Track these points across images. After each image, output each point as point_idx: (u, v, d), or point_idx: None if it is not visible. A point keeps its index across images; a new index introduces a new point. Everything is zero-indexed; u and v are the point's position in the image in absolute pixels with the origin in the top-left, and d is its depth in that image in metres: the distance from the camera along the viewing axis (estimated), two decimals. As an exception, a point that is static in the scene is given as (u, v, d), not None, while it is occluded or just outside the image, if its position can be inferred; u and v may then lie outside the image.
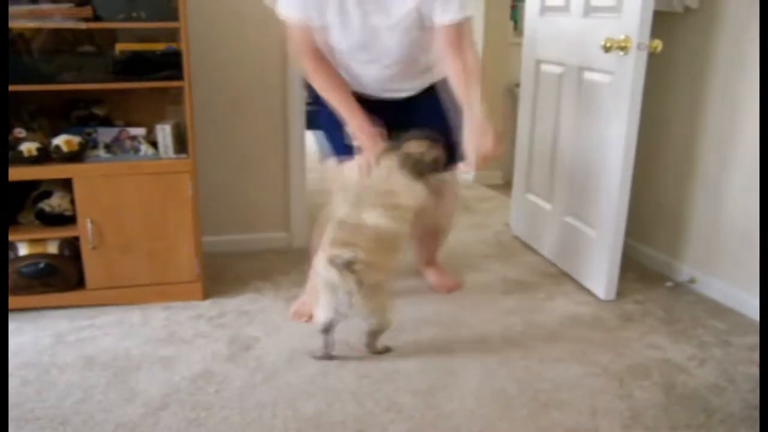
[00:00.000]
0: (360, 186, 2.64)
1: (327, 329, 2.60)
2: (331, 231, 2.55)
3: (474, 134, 2.59)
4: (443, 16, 2.58)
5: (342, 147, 2.78)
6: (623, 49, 2.91)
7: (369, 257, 2.44)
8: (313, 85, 2.73)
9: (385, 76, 2.77)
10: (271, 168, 3.74)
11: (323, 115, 2.84)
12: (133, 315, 2.98)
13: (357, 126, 2.68)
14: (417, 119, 2.79)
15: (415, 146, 2.66)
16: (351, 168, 2.73)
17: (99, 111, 3.15)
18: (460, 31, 2.62)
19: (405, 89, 2.86)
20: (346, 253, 2.40)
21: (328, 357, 2.65)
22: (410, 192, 2.63)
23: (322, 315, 2.56)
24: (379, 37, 2.63)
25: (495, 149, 2.60)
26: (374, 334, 2.65)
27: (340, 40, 2.65)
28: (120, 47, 2.93)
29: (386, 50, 2.68)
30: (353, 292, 2.43)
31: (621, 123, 3.00)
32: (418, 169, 2.64)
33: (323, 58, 2.69)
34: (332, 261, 2.40)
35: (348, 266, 2.39)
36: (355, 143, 2.69)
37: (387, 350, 2.71)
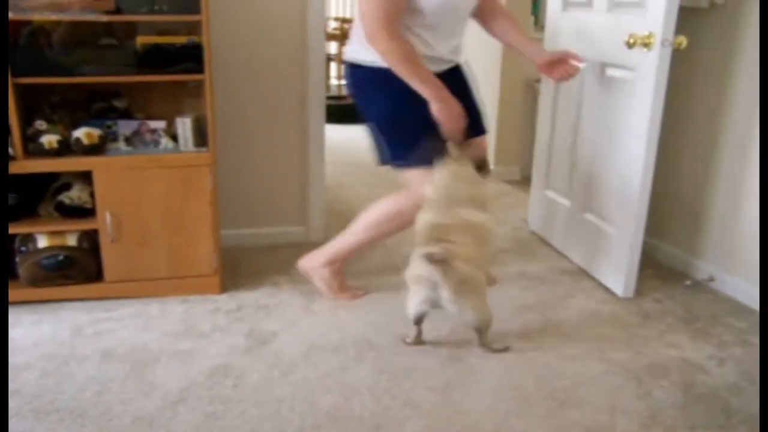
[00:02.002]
0: (447, 186, 2.68)
1: (419, 321, 2.67)
2: (424, 231, 2.63)
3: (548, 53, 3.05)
4: None
5: (410, 155, 2.74)
6: (647, 45, 2.89)
7: (463, 252, 2.51)
8: (385, 55, 2.58)
9: (450, 46, 2.81)
10: (289, 162, 3.73)
11: (393, 116, 2.79)
12: (151, 308, 2.99)
13: (444, 102, 2.64)
14: (457, 92, 2.76)
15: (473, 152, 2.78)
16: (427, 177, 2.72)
17: (119, 104, 3.15)
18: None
19: (448, 62, 2.87)
20: (440, 250, 2.47)
21: (420, 343, 2.74)
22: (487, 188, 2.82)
23: (416, 308, 2.61)
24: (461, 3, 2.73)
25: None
26: (479, 331, 2.67)
27: (428, 4, 2.60)
28: (141, 40, 2.93)
29: (461, 17, 2.77)
30: (450, 287, 2.48)
31: (643, 120, 2.97)
32: (482, 171, 2.79)
33: (399, 30, 2.57)
34: (429, 257, 2.46)
35: (444, 262, 2.46)
36: (439, 118, 2.66)
37: (506, 349, 2.72)
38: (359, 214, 3.07)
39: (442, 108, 2.64)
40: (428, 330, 2.79)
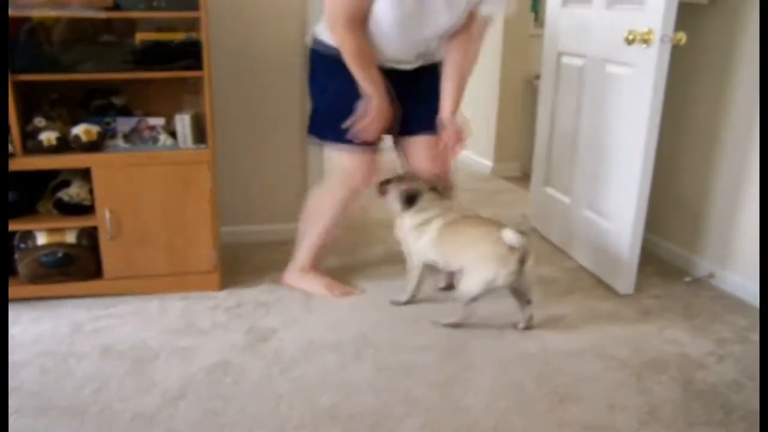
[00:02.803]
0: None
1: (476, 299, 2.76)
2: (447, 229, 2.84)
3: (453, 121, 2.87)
4: (488, 7, 2.74)
5: (338, 132, 2.84)
6: (646, 41, 2.88)
7: None
8: (340, 47, 2.67)
9: (416, 50, 2.83)
10: (289, 158, 3.73)
11: (317, 85, 2.94)
12: (151, 305, 2.99)
13: (377, 103, 2.74)
14: (420, 90, 2.91)
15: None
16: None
17: (118, 101, 3.14)
18: (487, 24, 2.80)
19: (419, 62, 2.90)
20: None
21: (458, 325, 2.84)
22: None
23: (505, 279, 2.67)
24: (435, 13, 2.67)
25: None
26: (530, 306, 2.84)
27: (393, 9, 2.60)
28: (140, 37, 2.92)
29: (435, 25, 2.72)
30: (531, 257, 2.68)
31: (643, 116, 2.97)
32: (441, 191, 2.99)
33: (360, 27, 2.65)
34: (518, 229, 2.66)
35: (526, 234, 2.69)
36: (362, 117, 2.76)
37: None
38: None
39: (373, 106, 2.74)
40: (425, 327, 2.81)
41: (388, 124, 2.80)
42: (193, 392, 2.36)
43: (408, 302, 3.03)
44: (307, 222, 3.17)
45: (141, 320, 2.86)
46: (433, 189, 2.92)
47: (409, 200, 2.89)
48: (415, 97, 2.91)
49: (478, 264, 2.70)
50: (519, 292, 2.79)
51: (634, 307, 3.08)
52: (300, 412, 2.27)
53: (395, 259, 3.37)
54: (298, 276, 3.20)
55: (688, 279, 3.37)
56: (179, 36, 2.93)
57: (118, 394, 2.34)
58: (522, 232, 2.65)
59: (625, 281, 3.18)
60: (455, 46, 2.81)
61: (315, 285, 3.18)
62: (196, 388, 2.39)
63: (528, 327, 2.83)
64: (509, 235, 2.63)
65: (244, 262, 3.48)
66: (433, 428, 2.22)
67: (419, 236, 2.89)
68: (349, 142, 2.83)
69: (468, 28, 2.78)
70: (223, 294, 3.11)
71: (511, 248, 2.63)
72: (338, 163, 2.98)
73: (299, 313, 2.97)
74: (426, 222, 2.88)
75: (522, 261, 2.64)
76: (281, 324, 2.86)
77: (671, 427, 2.24)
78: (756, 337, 2.84)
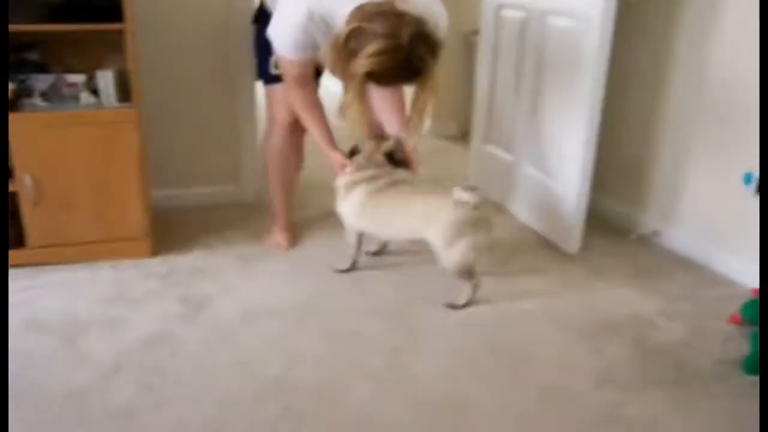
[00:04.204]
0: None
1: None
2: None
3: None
4: None
5: (268, 73, 2.91)
6: (594, -9, 2.80)
7: None
8: (292, 100, 2.77)
9: None
10: (220, 120, 3.57)
11: (259, 39, 2.91)
12: (79, 274, 2.82)
13: (323, 149, 2.80)
14: None
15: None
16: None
17: (32, 56, 2.92)
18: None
19: None
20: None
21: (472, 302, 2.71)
22: None
23: (476, 250, 2.60)
24: None
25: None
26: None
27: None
28: (57, -14, 2.72)
29: None
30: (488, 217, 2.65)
31: (588, 71, 2.89)
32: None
33: (309, 83, 2.74)
34: (470, 187, 2.59)
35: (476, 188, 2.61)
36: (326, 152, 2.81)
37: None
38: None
39: (326, 157, 2.82)
40: (368, 293, 2.74)
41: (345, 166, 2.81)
42: (128, 365, 2.23)
43: (350, 269, 2.92)
44: (266, 178, 3.20)
45: (69, 291, 2.70)
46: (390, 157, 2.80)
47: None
48: None
49: (452, 233, 2.57)
50: None
51: (582, 266, 3.04)
52: (241, 384, 2.16)
53: (333, 222, 3.28)
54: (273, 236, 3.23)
55: (633, 237, 3.35)
56: (99, -15, 2.73)
57: (47, 370, 2.20)
58: (472, 187, 2.58)
59: (571, 240, 3.13)
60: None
61: (269, 242, 3.20)
62: (130, 360, 2.26)
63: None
64: (466, 195, 2.53)
65: (177, 227, 3.32)
66: (383, 397, 2.14)
67: (347, 199, 2.79)
68: (276, 78, 2.86)
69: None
70: (155, 261, 2.96)
71: (475, 206, 2.54)
72: (270, 106, 3.05)
73: (236, 280, 2.84)
74: (354, 184, 2.77)
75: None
76: (218, 291, 2.73)
77: (627, 387, 2.21)
78: (705, 293, 2.84)
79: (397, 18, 2.29)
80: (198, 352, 2.33)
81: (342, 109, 2.52)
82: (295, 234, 3.24)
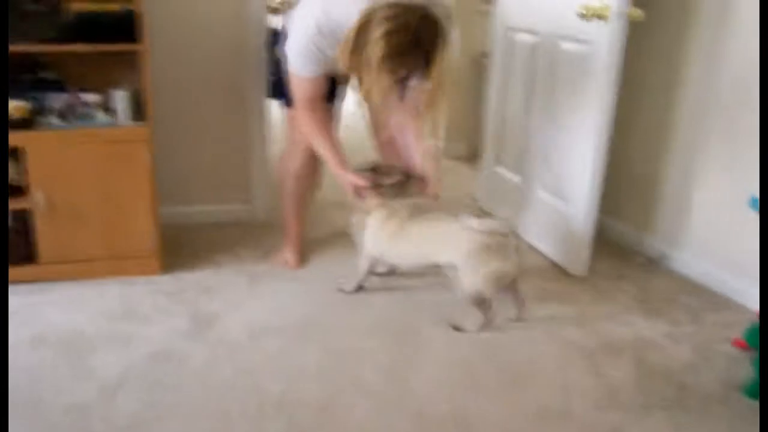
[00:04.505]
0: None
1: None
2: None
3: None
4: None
5: (290, 97, 2.86)
6: (602, 17, 2.82)
7: None
8: (301, 123, 2.80)
9: None
10: (232, 138, 3.60)
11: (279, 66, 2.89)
12: (88, 290, 2.84)
13: (334, 170, 2.80)
14: None
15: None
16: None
17: (49, 75, 2.98)
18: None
19: None
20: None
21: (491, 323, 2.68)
22: None
23: (503, 269, 2.57)
24: None
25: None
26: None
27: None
28: (72, 6, 2.77)
29: None
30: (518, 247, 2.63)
31: (597, 94, 2.91)
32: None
33: (319, 107, 2.76)
34: (504, 222, 2.65)
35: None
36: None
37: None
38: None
39: (337, 178, 2.81)
40: (372, 310, 2.75)
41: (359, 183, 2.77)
42: (133, 381, 2.25)
43: (355, 291, 2.92)
44: (280, 197, 3.20)
45: (77, 306, 2.72)
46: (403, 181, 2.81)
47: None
48: None
49: (476, 260, 2.55)
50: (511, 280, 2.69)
51: (588, 288, 3.04)
52: (245, 400, 2.17)
53: (342, 241, 3.30)
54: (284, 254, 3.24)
55: (641, 260, 3.34)
56: (115, 7, 2.79)
57: (52, 385, 2.22)
58: (499, 218, 2.57)
59: (578, 262, 3.13)
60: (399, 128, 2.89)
61: (277, 259, 3.22)
62: (135, 377, 2.27)
63: (521, 315, 2.74)
64: (494, 224, 2.57)
65: (186, 245, 3.35)
66: (383, 413, 2.15)
67: (381, 229, 2.77)
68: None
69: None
70: (164, 278, 2.98)
71: (503, 235, 2.56)
72: (291, 127, 3.02)
73: (244, 297, 2.86)
74: (390, 216, 2.75)
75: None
76: (225, 308, 2.75)
77: (627, 409, 2.21)
78: (710, 316, 2.83)
79: (402, 5, 2.34)
80: (203, 368, 2.34)
81: (361, 100, 2.55)
82: (305, 253, 3.26)
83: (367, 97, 2.51)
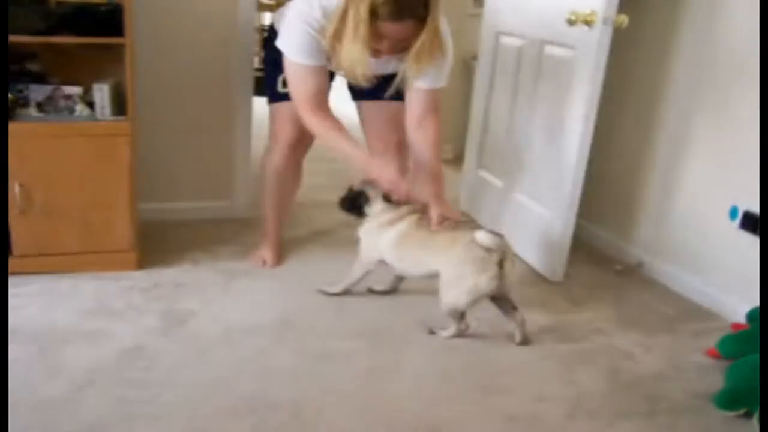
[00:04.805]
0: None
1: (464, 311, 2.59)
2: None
3: (438, 201, 2.70)
4: (425, 82, 2.68)
5: (275, 92, 2.88)
6: (588, 22, 2.82)
7: None
8: (310, 124, 2.69)
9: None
10: (214, 133, 3.59)
11: (268, 57, 2.90)
12: (62, 285, 2.83)
13: (365, 163, 2.71)
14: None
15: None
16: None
17: (33, 67, 2.96)
18: (437, 95, 2.76)
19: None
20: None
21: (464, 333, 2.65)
22: None
23: (488, 285, 2.48)
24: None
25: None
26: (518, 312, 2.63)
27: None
28: (58, -1, 2.75)
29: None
30: (513, 258, 2.52)
31: (581, 100, 2.92)
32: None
33: (323, 107, 2.69)
34: (493, 231, 2.52)
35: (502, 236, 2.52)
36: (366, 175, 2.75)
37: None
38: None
39: (369, 172, 2.72)
40: (349, 314, 2.74)
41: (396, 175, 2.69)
42: (103, 379, 2.23)
43: (339, 294, 2.89)
44: (261, 194, 3.19)
45: (50, 301, 2.70)
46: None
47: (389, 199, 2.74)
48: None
49: (455, 272, 2.52)
50: (500, 299, 2.59)
51: (564, 294, 3.05)
52: (215, 401, 2.16)
53: (321, 241, 3.30)
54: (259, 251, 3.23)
55: (618, 267, 3.35)
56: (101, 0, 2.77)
57: (22, 380, 2.20)
58: (496, 233, 2.50)
59: (555, 268, 3.14)
60: (420, 131, 2.79)
61: (255, 257, 3.20)
62: (105, 374, 2.26)
63: (524, 339, 2.64)
64: (484, 237, 2.48)
65: (164, 241, 3.33)
66: (356, 418, 2.14)
67: (380, 235, 2.73)
68: (283, 96, 2.84)
69: (425, 106, 2.75)
70: (139, 274, 2.97)
71: (488, 250, 2.47)
72: (273, 123, 3.02)
73: (219, 295, 2.85)
74: (390, 222, 2.72)
75: (501, 264, 2.47)
76: (200, 306, 2.74)
77: (597, 418, 2.21)
78: (685, 325, 2.85)
79: None
80: (174, 367, 2.33)
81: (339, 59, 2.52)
82: (283, 252, 3.25)
83: (350, 75, 2.52)
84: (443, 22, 2.54)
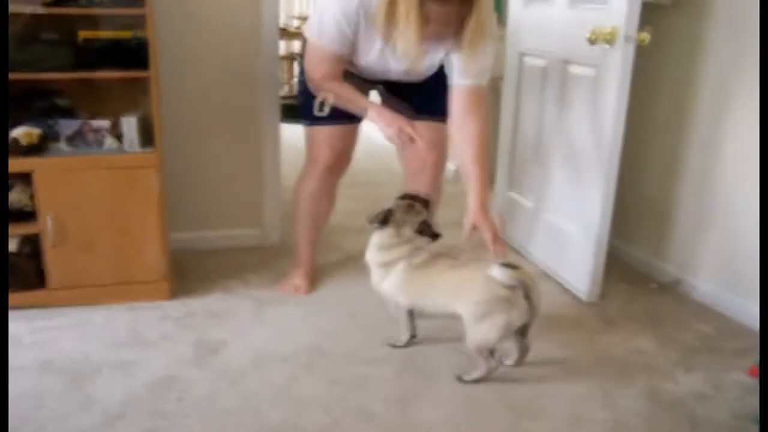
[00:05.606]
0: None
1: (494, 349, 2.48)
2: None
3: (483, 216, 2.64)
4: (468, 79, 2.64)
5: (312, 115, 2.86)
6: (609, 41, 2.80)
7: None
8: (320, 93, 2.74)
9: (398, 77, 2.84)
10: (243, 162, 3.60)
11: (304, 81, 2.85)
12: (96, 316, 2.84)
13: (376, 113, 2.68)
14: (423, 89, 2.88)
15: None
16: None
17: (61, 102, 3.00)
18: (480, 93, 2.69)
19: (411, 78, 2.85)
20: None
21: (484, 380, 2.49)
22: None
23: (521, 319, 2.37)
24: (391, 69, 2.76)
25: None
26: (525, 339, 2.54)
27: (358, 60, 2.74)
28: (84, 35, 2.80)
29: (396, 74, 2.80)
30: (535, 287, 2.39)
31: (607, 118, 2.88)
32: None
33: (338, 78, 2.72)
34: (509, 265, 2.39)
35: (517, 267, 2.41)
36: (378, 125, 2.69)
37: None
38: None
39: (378, 121, 2.67)
40: (382, 339, 2.72)
41: (403, 122, 2.66)
42: (135, 410, 2.23)
43: (407, 345, 2.73)
44: (294, 219, 3.17)
45: (84, 333, 2.72)
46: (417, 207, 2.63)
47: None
48: (418, 92, 2.88)
49: (479, 310, 2.38)
50: (522, 327, 2.47)
51: (599, 315, 3.00)
52: (247, 430, 2.15)
53: (352, 267, 3.28)
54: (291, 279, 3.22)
55: (654, 285, 3.30)
56: (125, 34, 2.81)
57: (55, 412, 2.21)
58: (512, 265, 2.38)
59: (589, 288, 3.09)
60: (462, 131, 2.71)
61: (286, 284, 3.19)
62: (137, 405, 2.26)
63: (517, 364, 2.55)
64: (502, 275, 2.34)
65: (195, 270, 3.34)
66: (386, 445, 2.12)
67: (383, 283, 2.62)
68: (319, 119, 2.84)
69: (466, 104, 2.68)
70: (172, 304, 2.98)
71: (511, 287, 2.35)
72: (310, 146, 3.00)
73: (251, 324, 2.85)
74: (385, 266, 2.59)
75: (527, 295, 2.34)
76: (232, 335, 2.74)
77: (637, 441, 2.16)
78: (723, 345, 2.78)
79: None
80: (206, 397, 2.33)
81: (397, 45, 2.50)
82: (315, 278, 3.24)
83: (405, 54, 2.49)
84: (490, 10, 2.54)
